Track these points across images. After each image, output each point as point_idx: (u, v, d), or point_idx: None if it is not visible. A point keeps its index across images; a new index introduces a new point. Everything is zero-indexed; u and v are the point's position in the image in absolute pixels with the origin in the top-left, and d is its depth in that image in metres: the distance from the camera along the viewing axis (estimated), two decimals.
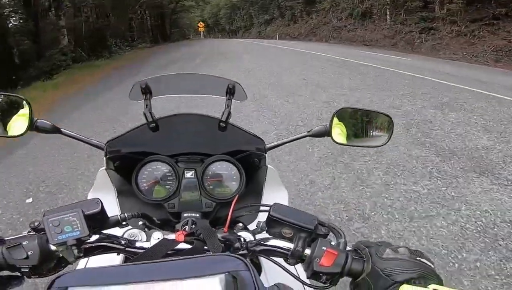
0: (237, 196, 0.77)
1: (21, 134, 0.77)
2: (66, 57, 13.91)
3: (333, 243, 0.57)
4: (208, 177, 0.88)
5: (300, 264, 0.59)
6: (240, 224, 0.75)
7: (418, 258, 0.50)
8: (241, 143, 0.91)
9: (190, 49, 20.04)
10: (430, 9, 22.05)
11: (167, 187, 0.87)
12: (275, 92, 7.07)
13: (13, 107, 0.80)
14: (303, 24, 33.53)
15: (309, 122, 5.10)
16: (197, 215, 0.83)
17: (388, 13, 23.91)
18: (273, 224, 0.61)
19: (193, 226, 0.68)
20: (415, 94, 6.57)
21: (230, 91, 0.91)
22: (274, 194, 0.93)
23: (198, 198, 0.86)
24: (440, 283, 0.47)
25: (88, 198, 0.79)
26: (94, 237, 0.57)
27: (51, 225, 0.52)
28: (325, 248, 0.54)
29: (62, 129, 0.83)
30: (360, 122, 0.95)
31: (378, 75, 8.74)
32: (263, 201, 0.91)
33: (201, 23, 43.41)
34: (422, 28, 21.62)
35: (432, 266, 0.50)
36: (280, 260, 0.62)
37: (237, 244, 0.62)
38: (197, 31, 46.08)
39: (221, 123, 0.86)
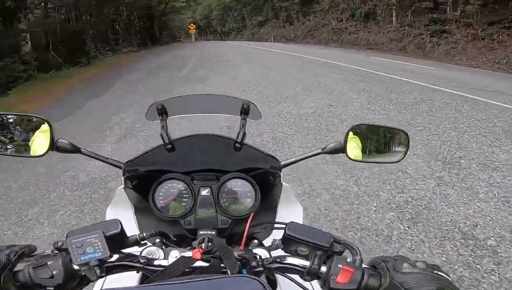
0: (252, 214, 0.74)
1: (43, 155, 0.79)
2: (28, 66, 11.35)
3: (348, 260, 0.56)
4: (224, 194, 0.87)
5: (316, 280, 0.58)
6: (256, 241, 0.73)
7: (435, 272, 0.50)
8: (256, 162, 0.89)
9: (178, 54, 17.72)
10: (441, 10, 20.00)
11: (183, 204, 0.86)
12: (300, 136, 4.65)
13: (34, 128, 0.80)
14: (300, 26, 31.35)
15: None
16: (213, 233, 0.81)
17: (394, 14, 21.79)
18: (289, 242, 0.60)
19: (209, 243, 0.67)
20: None
21: (245, 111, 0.89)
22: (289, 211, 0.91)
23: (214, 215, 0.85)
24: None
25: (107, 214, 0.88)
26: (115, 257, 0.57)
27: (74, 246, 0.53)
28: (341, 266, 0.54)
29: (82, 149, 0.83)
30: (375, 138, 0.92)
31: (418, 100, 6.32)
32: (278, 217, 0.89)
33: (192, 25, 40.93)
34: (433, 31, 19.56)
35: (450, 279, 0.50)
36: (296, 277, 0.61)
37: (254, 263, 0.61)
38: (188, 33, 43.54)
39: (237, 144, 0.86)
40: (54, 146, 0.79)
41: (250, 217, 0.70)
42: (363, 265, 0.56)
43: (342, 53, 17.57)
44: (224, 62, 12.80)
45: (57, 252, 0.57)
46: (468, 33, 18.24)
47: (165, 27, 39.77)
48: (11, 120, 0.83)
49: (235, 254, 0.62)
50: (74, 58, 19.47)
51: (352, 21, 24.94)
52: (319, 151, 0.90)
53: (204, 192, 0.87)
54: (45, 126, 0.79)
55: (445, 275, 0.50)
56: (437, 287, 0.47)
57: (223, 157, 0.91)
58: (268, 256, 0.66)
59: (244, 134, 0.86)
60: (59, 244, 0.57)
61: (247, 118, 0.90)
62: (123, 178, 0.89)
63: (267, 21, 39.72)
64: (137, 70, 12.28)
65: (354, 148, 0.88)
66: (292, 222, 0.61)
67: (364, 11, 23.49)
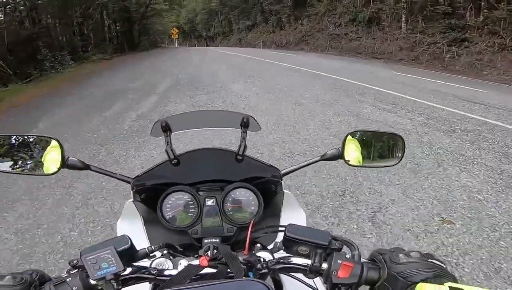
0: (252, 220, 0.74)
1: (55, 173, 0.81)
2: None
3: (347, 256, 0.58)
4: (228, 204, 0.89)
5: (318, 277, 0.60)
6: (259, 245, 0.73)
7: (430, 260, 0.51)
8: (258, 172, 0.92)
9: (154, 65, 14.24)
10: (458, 15, 17.10)
11: (190, 214, 0.88)
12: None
13: (45, 147, 0.82)
14: (292, 31, 28.17)
15: None
16: (217, 240, 0.84)
17: (403, 19, 18.75)
18: (289, 243, 0.62)
19: (215, 251, 0.68)
20: None
21: (245, 124, 0.93)
22: (292, 216, 0.93)
23: (220, 223, 0.87)
24: (455, 281, 0.48)
25: (117, 227, 0.90)
26: (128, 270, 0.60)
27: (89, 262, 0.55)
28: (340, 261, 0.55)
29: (91, 166, 0.85)
30: (372, 144, 0.94)
31: None
32: (282, 223, 0.91)
33: (174, 29, 37.28)
34: (451, 39, 16.61)
35: (444, 266, 0.52)
36: (299, 275, 0.64)
37: (258, 265, 0.63)
38: (172, 38, 39.79)
39: (238, 156, 0.89)
40: (65, 163, 0.81)
41: (251, 223, 0.71)
42: (362, 259, 0.57)
43: (347, 64, 14.47)
44: (210, 80, 9.36)
45: (73, 270, 0.58)
46: (494, 43, 15.32)
47: (146, 31, 35.94)
48: (23, 140, 0.84)
49: (240, 258, 0.64)
50: (26, 69, 15.61)
51: (352, 26, 21.87)
52: (318, 158, 0.93)
53: (210, 202, 0.88)
54: (55, 145, 0.81)
55: (439, 263, 0.51)
56: (433, 274, 0.49)
57: (226, 168, 0.92)
58: (272, 258, 0.66)
59: (245, 146, 0.89)
60: (75, 262, 0.58)
61: (247, 131, 0.93)
62: (131, 192, 0.90)
63: (255, 25, 36.45)
64: (84, 96, 8.67)
65: (351, 154, 0.90)
66: (291, 224, 0.62)
67: (367, 15, 20.37)
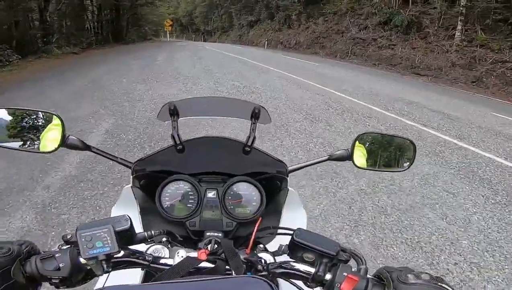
0: (260, 219, 0.71)
1: (53, 151, 0.76)
2: None
3: (354, 269, 0.54)
4: (230, 197, 0.83)
5: (320, 288, 0.57)
6: (261, 245, 0.69)
7: (439, 284, 0.48)
8: (263, 166, 0.86)
9: (124, 70, 9.41)
10: None
11: (189, 205, 0.82)
12: None
13: (45, 123, 0.78)
14: (303, 31, 23.35)
15: None
16: (220, 235, 0.78)
17: (459, 27, 13.95)
18: (295, 248, 0.58)
19: (216, 245, 0.63)
20: None
21: (255, 115, 0.86)
22: (293, 216, 0.86)
23: (219, 217, 0.81)
24: None
25: (112, 212, 0.83)
26: (122, 252, 0.56)
27: (83, 239, 0.51)
28: (346, 274, 0.52)
29: (91, 147, 0.80)
30: (382, 147, 0.89)
31: None
32: (282, 222, 0.84)
33: (168, 21, 31.98)
34: None
35: None
36: (299, 283, 0.60)
37: (259, 266, 0.59)
38: (166, 31, 34.48)
39: (246, 148, 0.83)
40: (64, 142, 0.76)
41: (258, 221, 0.68)
42: (368, 275, 0.53)
43: (387, 83, 9.75)
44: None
45: (66, 245, 0.54)
46: None
47: (136, 22, 30.68)
48: (22, 114, 0.78)
49: (241, 257, 0.60)
50: None
51: (382, 31, 17.12)
52: (326, 157, 0.88)
53: (210, 194, 0.83)
54: (56, 122, 0.76)
55: (447, 287, 0.48)
56: None
57: (231, 160, 0.87)
58: (273, 261, 0.63)
59: (254, 138, 0.83)
60: (68, 237, 0.54)
61: (258, 123, 0.87)
62: (131, 177, 0.85)
63: (258, 22, 31.50)
64: None
65: (361, 155, 0.85)
66: (300, 228, 0.59)
67: (406, 19, 15.55)
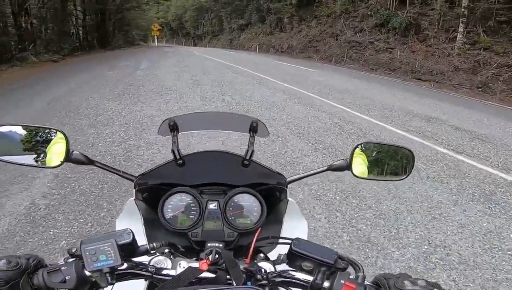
0: (259, 229, 0.70)
1: (58, 166, 0.77)
2: None
3: (351, 277, 0.54)
4: (231, 208, 0.83)
5: None
6: (261, 254, 0.70)
7: (435, 289, 0.48)
8: (263, 178, 0.87)
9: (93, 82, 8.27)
10: None
11: (191, 216, 0.82)
12: None
13: (49, 139, 0.79)
14: (295, 34, 22.39)
15: None
16: (221, 245, 0.76)
17: (461, 29, 13.08)
18: (294, 257, 0.59)
19: (217, 256, 0.64)
20: None
21: (253, 129, 0.87)
22: (294, 225, 0.87)
23: (221, 228, 0.81)
24: None
25: (116, 224, 0.84)
26: (125, 265, 0.57)
27: (87, 253, 0.52)
28: (343, 282, 0.52)
29: (95, 162, 0.81)
30: (381, 156, 0.89)
31: None
32: (283, 232, 0.85)
33: (155, 25, 30.61)
34: None
35: None
36: None
37: (259, 276, 0.59)
38: (154, 35, 33.11)
39: (245, 161, 0.83)
40: (69, 157, 0.77)
41: (257, 232, 0.67)
42: (366, 282, 0.54)
43: (393, 92, 8.87)
44: None
45: (71, 258, 0.55)
46: None
47: (122, 27, 29.35)
48: (28, 131, 0.80)
49: (241, 266, 0.61)
50: None
51: (379, 33, 16.22)
52: (325, 167, 0.88)
53: (212, 206, 0.83)
54: (60, 138, 0.78)
55: None
56: None
57: (231, 172, 0.87)
58: (273, 270, 0.62)
59: (253, 151, 0.83)
60: (73, 250, 0.55)
61: (256, 136, 0.88)
62: (134, 190, 0.87)
63: (249, 25, 30.48)
64: None
65: (359, 165, 0.85)
66: (298, 238, 0.60)
67: (404, 21, 14.66)
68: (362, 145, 0.86)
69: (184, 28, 52.02)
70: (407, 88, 10.70)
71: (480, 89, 11.74)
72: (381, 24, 16.01)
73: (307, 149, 3.98)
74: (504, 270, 2.25)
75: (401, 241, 2.48)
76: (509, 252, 2.45)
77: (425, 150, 4.28)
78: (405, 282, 0.49)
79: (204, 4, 41.52)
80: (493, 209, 3.04)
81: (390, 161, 0.88)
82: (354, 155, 0.84)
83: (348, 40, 17.54)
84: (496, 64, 11.94)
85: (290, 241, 0.59)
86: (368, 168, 0.86)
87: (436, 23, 14.21)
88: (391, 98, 7.89)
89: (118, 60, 14.46)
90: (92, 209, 2.64)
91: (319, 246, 0.58)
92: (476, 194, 3.27)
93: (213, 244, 0.76)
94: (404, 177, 0.87)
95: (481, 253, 2.43)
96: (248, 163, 0.83)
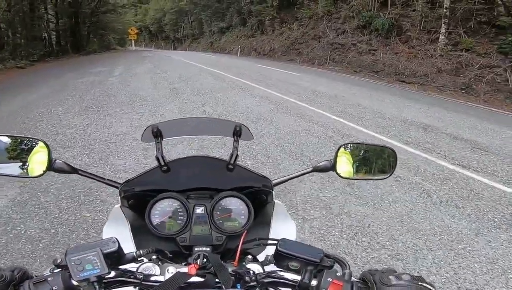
0: (245, 232, 0.71)
1: (40, 175, 0.76)
2: None
3: (339, 274, 0.54)
4: (218, 212, 0.82)
5: None
6: (249, 256, 0.69)
7: (420, 283, 0.48)
8: (249, 181, 0.86)
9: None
10: None
11: (179, 222, 0.81)
12: None
13: (30, 149, 0.77)
14: (277, 36, 22.02)
15: None
16: (208, 249, 0.77)
17: (443, 30, 12.98)
18: (280, 258, 0.59)
19: (205, 260, 0.64)
20: None
21: (237, 133, 0.87)
22: (282, 227, 0.86)
23: (209, 232, 0.81)
24: None
25: (103, 232, 0.82)
26: (113, 273, 0.56)
27: (73, 263, 0.52)
28: (330, 279, 0.52)
29: (79, 170, 0.80)
30: (364, 156, 0.90)
31: None
32: (272, 233, 0.84)
33: (133, 29, 29.48)
34: None
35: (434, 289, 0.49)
36: None
37: (247, 278, 0.59)
38: (131, 39, 31.89)
39: (229, 165, 0.83)
40: (52, 166, 0.76)
41: (243, 235, 0.67)
42: (353, 278, 0.54)
43: (381, 98, 8.56)
44: None
45: (57, 269, 0.55)
46: None
47: (97, 30, 28.11)
48: (9, 141, 0.79)
49: (229, 269, 0.60)
50: None
51: (362, 35, 16.02)
52: (310, 169, 0.88)
53: (199, 210, 0.81)
54: (42, 147, 0.76)
55: (428, 286, 0.48)
56: None
57: (216, 177, 0.86)
58: (261, 271, 0.62)
59: (237, 156, 0.83)
60: (58, 261, 0.55)
61: (240, 140, 0.88)
62: (119, 197, 0.86)
63: (230, 28, 29.89)
64: None
65: (344, 165, 0.85)
66: (284, 238, 0.60)
67: (387, 22, 14.48)
68: (346, 145, 0.86)
69: (163, 32, 50.81)
70: (393, 91, 10.43)
71: (464, 91, 11.63)
72: (364, 25, 15.81)
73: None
74: None
75: None
76: None
77: (431, 167, 3.84)
78: (390, 277, 0.49)
79: (183, 7, 40.59)
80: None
81: (374, 160, 0.89)
82: (338, 155, 0.84)
83: (331, 42, 17.28)
84: (478, 65, 11.88)
85: (276, 242, 0.59)
86: (351, 168, 0.86)
87: (418, 24, 14.10)
88: (381, 104, 7.51)
89: (91, 65, 13.56)
90: (41, 262, 2.02)
91: (305, 245, 0.58)
92: (496, 220, 2.85)
93: (200, 249, 0.75)
94: (388, 175, 0.88)
95: None
96: (232, 167, 0.82)
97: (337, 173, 0.84)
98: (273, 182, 0.87)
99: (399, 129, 5.34)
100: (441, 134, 5.26)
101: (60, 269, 0.53)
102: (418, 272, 2.13)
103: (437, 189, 3.31)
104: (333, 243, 2.39)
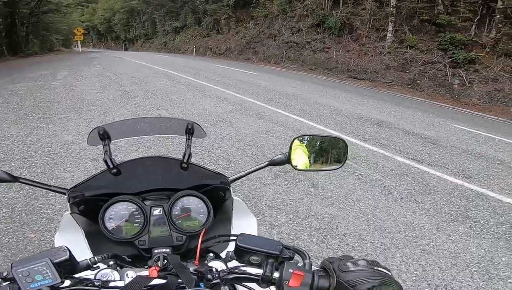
0: (204, 230, 0.71)
1: None
2: None
3: (299, 264, 0.55)
4: (176, 212, 0.79)
5: (273, 287, 0.57)
6: (211, 254, 0.69)
7: (376, 268, 0.49)
8: (205, 179, 0.84)
9: None
10: (461, 28, 12.53)
11: (136, 225, 0.77)
12: None
13: None
14: (233, 36, 21.81)
15: None
16: (168, 250, 0.75)
17: (390, 28, 13.66)
18: (241, 253, 0.58)
19: (165, 261, 0.63)
20: None
21: (189, 131, 0.84)
22: (243, 222, 0.85)
23: (168, 233, 0.78)
24: (399, 288, 0.48)
25: (55, 241, 0.79)
26: (67, 282, 0.54)
27: (21, 275, 0.49)
28: (291, 271, 0.53)
29: (19, 178, 0.75)
30: (318, 148, 0.91)
31: None
32: (233, 230, 0.83)
33: (79, 29, 27.44)
34: (454, 60, 11.96)
35: (390, 274, 0.50)
36: (254, 285, 0.60)
37: (209, 276, 0.58)
38: (77, 40, 29.65)
39: (183, 164, 0.79)
40: None
41: (202, 233, 0.66)
42: (314, 268, 0.55)
43: (336, 94, 8.79)
44: None
45: (4, 282, 0.52)
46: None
47: (38, 31, 25.77)
48: None
49: (191, 269, 0.60)
50: None
51: (316, 33, 16.39)
52: (266, 163, 0.88)
53: (156, 211, 0.79)
54: None
55: (385, 270, 0.50)
56: (379, 282, 0.47)
57: (171, 177, 0.84)
58: (224, 268, 0.62)
59: (190, 154, 0.80)
60: (5, 274, 0.52)
61: (193, 138, 0.86)
62: (68, 204, 0.80)
63: (185, 27, 29.06)
64: None
65: (299, 157, 0.86)
66: (243, 233, 0.59)
67: (339, 21, 14.93)
68: (300, 138, 0.87)
69: (113, 32, 48.09)
70: (346, 88, 10.75)
71: (409, 86, 12.36)
72: (317, 24, 16.17)
73: (266, 176, 3.31)
74: None
75: None
76: (509, 280, 2.12)
77: (389, 163, 3.91)
78: (348, 263, 0.50)
79: (135, 6, 38.67)
80: (474, 228, 2.72)
81: (326, 152, 0.90)
82: (293, 148, 0.84)
83: (286, 40, 17.47)
84: (421, 61, 12.68)
85: (235, 238, 0.59)
86: (307, 160, 0.87)
87: (368, 23, 14.72)
88: (336, 101, 7.65)
89: (31, 68, 12.31)
90: None
91: (264, 239, 0.58)
92: (452, 213, 2.94)
93: (160, 250, 0.74)
94: (341, 165, 0.89)
95: (483, 286, 2.03)
96: (186, 165, 0.79)
97: (292, 166, 0.84)
98: (230, 178, 0.85)
99: (356, 126, 5.44)
100: (394, 130, 5.45)
101: (8, 282, 0.51)
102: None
103: (397, 185, 3.37)
104: (304, 248, 2.29)
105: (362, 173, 3.54)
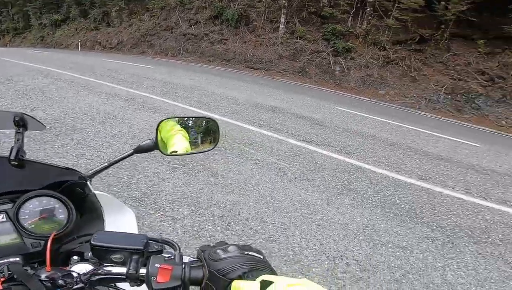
0: (53, 233, 0.64)
1: None
2: None
3: (169, 257, 0.51)
4: (27, 216, 0.68)
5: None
6: (75, 257, 0.62)
7: (246, 253, 0.48)
8: (56, 177, 0.72)
9: None
10: (341, 20, 14.01)
11: None
12: None
13: None
14: (126, 28, 20.04)
15: None
16: (17, 259, 0.65)
17: (283, 20, 14.45)
18: (99, 252, 0.54)
19: (10, 272, 0.57)
20: None
21: (18, 123, 0.70)
22: (119, 219, 0.79)
23: (19, 240, 0.68)
24: (272, 271, 0.46)
25: None
26: None
27: None
28: (158, 265, 0.49)
29: None
30: (187, 130, 0.84)
31: None
32: (107, 227, 0.75)
33: None
34: (335, 49, 13.40)
35: (261, 257, 0.48)
36: (126, 285, 0.55)
37: (60, 281, 0.53)
38: None
39: (12, 162, 0.66)
40: None
41: (51, 236, 0.61)
42: (189, 258, 0.52)
43: (232, 83, 9.05)
44: None
45: None
46: (379, 55, 12.98)
47: None
48: None
49: (43, 275, 0.54)
50: None
51: (214, 25, 16.26)
52: (131, 151, 0.81)
53: None
54: None
55: (256, 254, 0.48)
56: (249, 267, 0.46)
57: (11, 178, 0.70)
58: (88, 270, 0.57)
59: (20, 149, 0.66)
60: None
61: (26, 131, 0.73)
62: None
63: (68, 20, 25.34)
64: None
65: (178, 142, 0.81)
66: (99, 231, 0.56)
67: (236, 13, 15.09)
68: (166, 121, 0.80)
69: None
70: (243, 78, 11.01)
71: (300, 74, 13.38)
72: (215, 16, 16.02)
73: (163, 170, 3.08)
74: (397, 261, 2.14)
75: (302, 263, 2.06)
76: (389, 244, 2.41)
77: (283, 146, 4.12)
78: (218, 251, 0.48)
79: None
80: (356, 199, 3.05)
81: (197, 133, 0.86)
82: (158, 133, 0.79)
83: (184, 32, 16.86)
84: (309, 51, 13.81)
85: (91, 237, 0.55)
86: (175, 143, 0.81)
87: (263, 15, 15.26)
88: (234, 90, 7.74)
89: None
90: None
91: (126, 234, 0.55)
92: (338, 187, 3.24)
93: (4, 260, 0.66)
94: (213, 146, 0.86)
95: (370, 253, 2.28)
96: (18, 163, 0.67)
97: (161, 151, 0.79)
98: (90, 172, 0.78)
99: (252, 113, 5.58)
100: (287, 114, 5.79)
101: None
102: (292, 250, 2.19)
103: (290, 166, 3.55)
104: (208, 238, 2.20)
105: (259, 158, 3.63)
